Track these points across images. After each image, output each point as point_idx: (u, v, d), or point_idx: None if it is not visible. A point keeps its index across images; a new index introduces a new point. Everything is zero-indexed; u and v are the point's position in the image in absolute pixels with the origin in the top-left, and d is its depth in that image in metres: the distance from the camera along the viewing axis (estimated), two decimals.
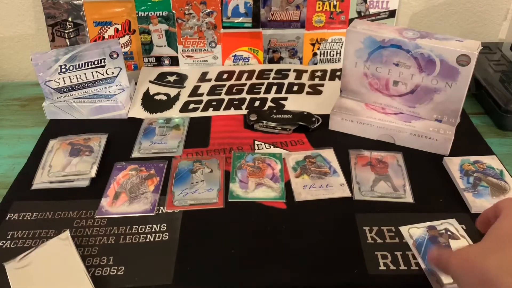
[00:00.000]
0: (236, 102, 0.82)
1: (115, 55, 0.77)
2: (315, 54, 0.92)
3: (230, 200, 0.61)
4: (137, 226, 0.57)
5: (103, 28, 0.88)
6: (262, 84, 0.87)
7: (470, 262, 0.42)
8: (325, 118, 0.74)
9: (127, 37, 0.89)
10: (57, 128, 0.75)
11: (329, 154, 0.68)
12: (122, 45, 0.89)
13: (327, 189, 0.62)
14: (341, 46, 0.91)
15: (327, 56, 0.92)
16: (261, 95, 0.83)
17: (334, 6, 0.88)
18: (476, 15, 0.97)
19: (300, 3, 0.88)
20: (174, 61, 0.92)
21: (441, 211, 0.58)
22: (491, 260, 0.40)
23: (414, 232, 0.56)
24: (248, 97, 0.83)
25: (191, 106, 0.81)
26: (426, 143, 0.68)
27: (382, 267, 0.51)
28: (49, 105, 0.77)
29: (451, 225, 0.56)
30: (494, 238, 0.43)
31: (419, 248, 0.54)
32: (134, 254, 0.54)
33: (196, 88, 0.86)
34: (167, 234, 0.56)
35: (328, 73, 0.90)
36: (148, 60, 0.92)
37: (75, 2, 0.86)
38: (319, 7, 0.88)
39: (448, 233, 0.55)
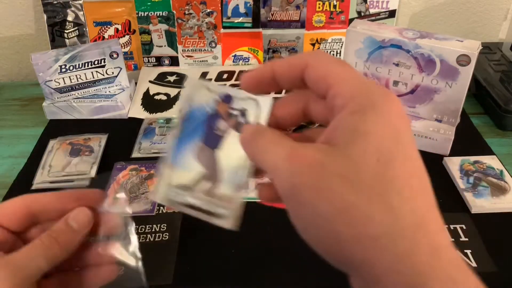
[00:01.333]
0: None
1: (115, 55, 0.77)
2: None
3: None
4: (137, 226, 0.57)
5: (103, 28, 0.88)
6: None
7: (327, 189, 0.23)
8: None
9: (127, 37, 0.89)
10: (57, 128, 0.75)
11: None
12: (122, 45, 0.89)
13: None
14: (341, 46, 0.91)
15: None
16: None
17: (334, 6, 0.88)
18: (476, 15, 0.97)
19: (300, 3, 0.88)
20: (174, 61, 0.92)
21: (441, 211, 0.58)
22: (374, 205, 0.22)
23: (203, 96, 0.30)
24: None
25: None
26: (426, 143, 0.68)
27: None
28: (49, 105, 0.77)
29: (255, 103, 0.30)
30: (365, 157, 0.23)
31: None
32: None
33: None
34: (167, 234, 0.56)
35: None
36: (148, 60, 0.91)
37: (75, 2, 0.86)
38: (319, 7, 0.88)
39: (241, 120, 0.30)
